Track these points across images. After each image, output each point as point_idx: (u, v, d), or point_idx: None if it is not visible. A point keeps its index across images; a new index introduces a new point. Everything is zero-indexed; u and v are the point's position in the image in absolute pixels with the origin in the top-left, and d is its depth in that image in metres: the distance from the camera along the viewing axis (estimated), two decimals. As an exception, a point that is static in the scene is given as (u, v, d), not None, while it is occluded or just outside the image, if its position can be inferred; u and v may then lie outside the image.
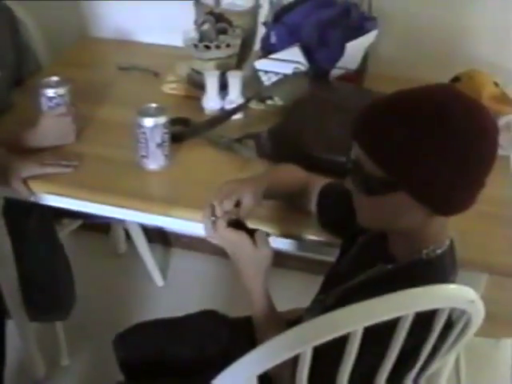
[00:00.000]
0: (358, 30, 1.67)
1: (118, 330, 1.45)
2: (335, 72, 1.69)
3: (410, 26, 1.85)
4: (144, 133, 1.41)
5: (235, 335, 1.41)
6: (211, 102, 1.69)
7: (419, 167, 0.91)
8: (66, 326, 2.00)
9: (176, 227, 1.50)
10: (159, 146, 1.44)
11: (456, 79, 1.74)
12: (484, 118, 0.93)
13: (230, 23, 1.80)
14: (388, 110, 0.93)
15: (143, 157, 1.45)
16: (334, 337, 0.91)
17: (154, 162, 1.46)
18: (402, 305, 0.92)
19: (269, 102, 1.72)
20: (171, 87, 1.80)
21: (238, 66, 1.78)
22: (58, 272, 1.73)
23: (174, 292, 2.37)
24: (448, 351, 1.08)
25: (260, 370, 0.93)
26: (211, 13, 1.80)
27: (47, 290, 1.72)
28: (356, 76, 1.72)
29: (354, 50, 1.66)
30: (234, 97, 1.68)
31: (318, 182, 1.32)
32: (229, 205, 1.13)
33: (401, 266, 1.03)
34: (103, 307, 2.25)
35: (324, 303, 1.15)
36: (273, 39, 1.71)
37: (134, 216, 1.43)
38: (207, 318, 1.46)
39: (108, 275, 2.41)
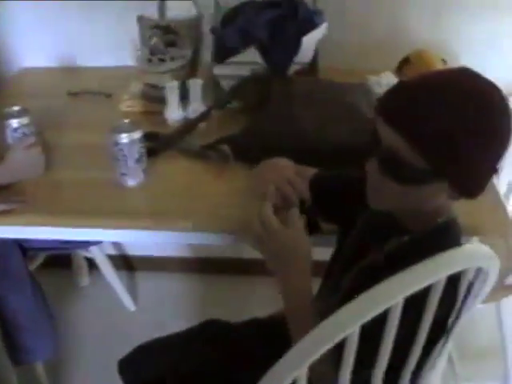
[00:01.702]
0: (308, 25, 1.70)
1: (102, 362, 1.40)
2: (292, 68, 1.71)
3: (353, 16, 1.91)
4: (121, 150, 1.39)
5: (243, 339, 1.40)
6: (174, 113, 1.68)
7: (465, 157, 0.92)
8: (45, 365, 1.93)
9: (167, 240, 1.48)
10: (138, 161, 1.42)
11: (405, 61, 1.81)
12: (505, 100, 0.95)
13: (177, 34, 1.80)
14: (434, 97, 0.92)
15: (123, 174, 1.42)
16: (379, 312, 0.91)
17: (134, 178, 1.44)
18: (435, 270, 0.93)
19: (229, 106, 1.72)
20: (128, 105, 1.78)
21: (192, 74, 1.78)
22: (40, 309, 1.67)
23: (147, 314, 2.33)
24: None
25: (313, 357, 0.92)
26: (157, 26, 1.79)
27: (32, 328, 1.65)
28: (310, 69, 1.76)
29: (307, 44, 1.69)
30: (197, 105, 1.67)
31: (307, 172, 1.33)
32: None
33: (420, 236, 1.04)
34: (80, 341, 2.18)
35: (337, 288, 1.15)
36: (225, 43, 1.71)
37: (123, 236, 1.41)
38: (211, 327, 1.44)
39: (77, 309, 2.34)
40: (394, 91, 0.98)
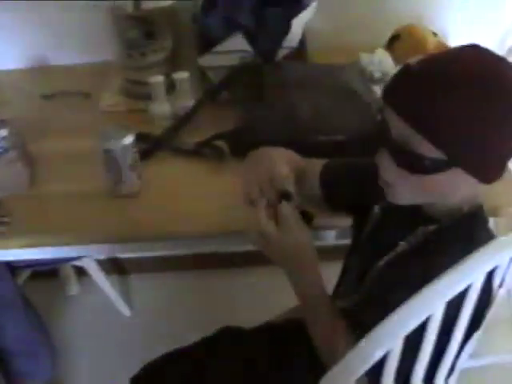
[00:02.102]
0: (296, 7, 1.61)
1: (102, 373, 1.32)
2: (280, 52, 1.62)
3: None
4: (114, 157, 1.29)
5: (257, 346, 1.33)
6: (161, 109, 1.58)
7: (478, 143, 0.87)
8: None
9: (176, 249, 1.40)
10: (132, 167, 1.32)
11: (395, 37, 1.74)
12: None
13: (155, 25, 1.69)
14: (443, 84, 0.86)
15: (117, 183, 1.33)
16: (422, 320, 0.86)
17: (130, 185, 1.34)
18: (474, 268, 0.88)
19: (218, 98, 1.63)
20: (109, 104, 1.67)
21: (177, 67, 1.67)
22: (36, 331, 1.57)
23: (144, 318, 2.25)
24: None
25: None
26: (133, 17, 1.68)
27: (30, 353, 1.56)
28: (299, 53, 1.67)
29: (296, 27, 1.60)
30: (185, 99, 1.58)
31: (314, 164, 1.27)
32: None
33: (448, 225, 0.99)
34: (77, 353, 2.09)
35: (361, 283, 1.10)
36: (210, 32, 1.61)
37: (123, 249, 1.32)
38: (226, 336, 1.36)
39: (69, 320, 2.25)
40: (400, 78, 0.92)
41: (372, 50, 1.70)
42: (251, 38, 1.59)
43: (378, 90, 1.59)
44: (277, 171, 1.14)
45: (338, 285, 1.27)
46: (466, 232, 0.98)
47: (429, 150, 0.88)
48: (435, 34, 1.73)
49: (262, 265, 2.26)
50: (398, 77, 0.92)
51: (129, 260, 2.39)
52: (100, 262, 2.20)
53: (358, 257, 1.18)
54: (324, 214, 1.27)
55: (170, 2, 1.73)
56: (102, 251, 1.35)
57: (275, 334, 1.35)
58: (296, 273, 1.07)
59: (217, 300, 2.30)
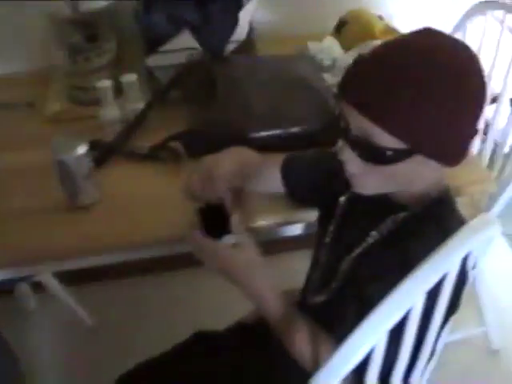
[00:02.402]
0: (241, -1, 1.58)
1: None
2: (228, 47, 1.59)
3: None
4: (68, 169, 1.24)
5: (232, 349, 1.32)
6: (110, 114, 1.52)
7: (434, 127, 0.87)
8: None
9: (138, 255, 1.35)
10: (87, 177, 1.27)
11: (343, 23, 1.74)
12: (477, 61, 0.90)
13: (96, 27, 1.64)
14: (399, 74, 0.85)
15: (74, 194, 1.28)
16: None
17: (87, 196, 1.29)
18: (450, 256, 0.87)
19: (168, 98, 1.59)
20: (56, 112, 1.61)
21: (123, 69, 1.62)
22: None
23: (108, 325, 2.19)
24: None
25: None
26: (73, 21, 1.62)
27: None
28: (248, 46, 1.65)
29: (242, 19, 1.57)
30: (135, 102, 1.53)
31: (275, 160, 1.25)
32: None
33: (417, 211, 0.99)
34: (42, 371, 2.02)
35: (333, 276, 1.08)
36: (154, 31, 1.56)
37: (85, 262, 1.27)
38: (200, 340, 1.34)
39: (30, 336, 2.17)
40: (354, 71, 0.91)
41: (319, 38, 1.69)
42: (198, 35, 1.55)
43: (329, 77, 1.58)
44: (216, 172, 1.13)
45: (308, 280, 1.25)
46: (436, 216, 0.98)
47: (389, 141, 0.87)
48: (381, 18, 1.73)
49: None
50: (351, 70, 0.91)
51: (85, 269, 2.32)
52: (56, 274, 2.13)
53: (326, 251, 1.16)
54: (289, 209, 1.26)
55: (109, 3, 1.66)
56: (61, 266, 1.28)
57: (250, 334, 1.33)
58: (255, 297, 1.04)
59: (179, 302, 2.27)
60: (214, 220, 1.02)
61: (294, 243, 2.32)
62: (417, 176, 0.95)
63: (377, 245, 1.02)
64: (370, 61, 0.88)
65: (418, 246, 0.92)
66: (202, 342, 1.33)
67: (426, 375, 1.14)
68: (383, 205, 1.02)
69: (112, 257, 1.34)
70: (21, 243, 1.24)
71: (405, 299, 0.85)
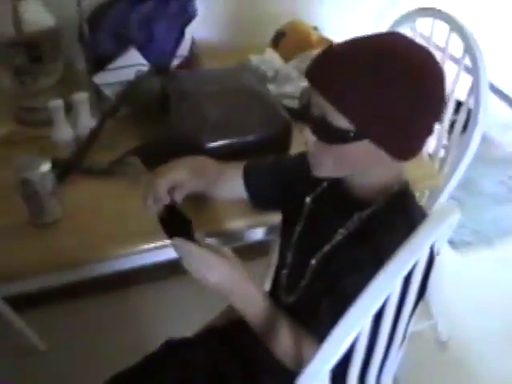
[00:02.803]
0: (182, 15, 1.64)
1: None
2: (173, 62, 1.65)
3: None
4: (33, 187, 1.25)
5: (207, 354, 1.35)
6: (63, 133, 1.54)
7: (384, 116, 0.94)
8: None
9: (105, 269, 1.37)
10: (52, 194, 1.29)
11: (280, 35, 1.82)
12: (436, 62, 0.98)
13: (40, 48, 1.65)
14: (352, 62, 0.93)
15: (39, 212, 1.29)
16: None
17: (51, 213, 1.31)
18: (421, 244, 0.93)
19: (117, 116, 1.62)
20: (5, 134, 1.60)
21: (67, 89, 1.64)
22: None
23: (62, 348, 2.17)
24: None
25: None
26: (17, 43, 1.63)
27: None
28: (191, 61, 1.71)
29: (186, 35, 1.63)
30: (86, 120, 1.55)
31: (235, 166, 1.30)
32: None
33: (380, 206, 1.05)
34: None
35: (301, 277, 1.14)
36: (100, 49, 1.60)
37: (56, 279, 1.28)
38: (170, 349, 1.36)
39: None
40: (321, 57, 0.98)
41: (259, 51, 1.76)
42: (144, 51, 1.60)
43: (273, 88, 1.66)
44: (159, 178, 1.18)
45: (274, 282, 1.29)
46: (400, 209, 1.05)
47: (342, 122, 0.95)
48: (316, 28, 1.83)
49: (177, 275, 2.31)
50: (318, 55, 0.99)
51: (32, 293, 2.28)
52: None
53: (293, 251, 1.20)
54: (251, 213, 1.32)
55: (52, 24, 1.68)
56: (35, 284, 1.29)
57: (221, 337, 1.37)
58: (236, 299, 1.06)
59: (130, 320, 2.28)
60: (176, 226, 1.06)
61: (247, 253, 2.38)
62: (367, 162, 1.01)
63: (345, 241, 1.08)
64: (334, 50, 0.96)
65: (388, 238, 0.99)
66: (174, 350, 1.35)
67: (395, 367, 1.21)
68: (348, 202, 1.09)
69: (71, 274, 1.34)
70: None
71: (386, 285, 0.90)
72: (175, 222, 1.08)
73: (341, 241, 1.09)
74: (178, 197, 1.18)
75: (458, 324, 2.20)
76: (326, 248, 1.10)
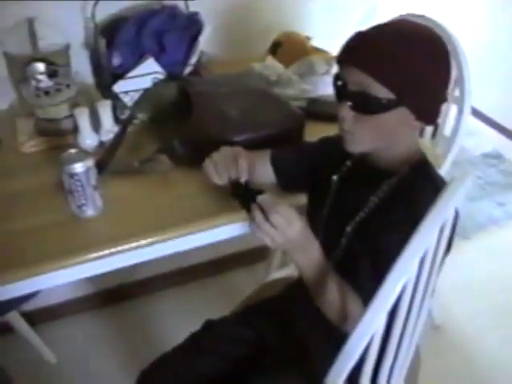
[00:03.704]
0: (191, 27, 1.77)
1: None
2: (186, 70, 1.77)
3: (220, 12, 2.02)
4: (79, 180, 1.35)
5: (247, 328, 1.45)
6: (88, 139, 1.64)
7: (417, 84, 1.09)
8: None
9: (148, 257, 1.44)
10: (95, 188, 1.39)
11: (277, 44, 1.97)
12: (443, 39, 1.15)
13: (56, 64, 1.75)
14: (386, 40, 1.08)
15: (82, 205, 1.38)
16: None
17: (94, 206, 1.40)
18: (447, 206, 1.06)
19: (136, 121, 1.73)
20: (31, 145, 1.69)
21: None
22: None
23: (71, 360, 2.22)
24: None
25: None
26: (35, 59, 1.73)
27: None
28: (200, 67, 1.83)
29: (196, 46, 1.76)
30: (110, 126, 1.66)
31: (263, 155, 1.42)
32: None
33: (407, 174, 1.18)
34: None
35: (339, 240, 1.24)
36: (116, 61, 1.71)
37: (103, 266, 1.36)
38: (211, 326, 1.46)
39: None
40: (355, 40, 1.12)
41: (259, 60, 1.91)
42: (159, 60, 1.72)
43: (276, 91, 1.80)
44: (240, 155, 1.29)
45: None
46: (424, 174, 1.19)
47: (381, 91, 1.08)
48: (308, 38, 1.98)
49: (174, 286, 2.41)
50: (352, 40, 1.12)
51: (36, 310, 2.33)
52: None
53: (325, 223, 1.30)
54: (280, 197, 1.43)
55: (64, 40, 1.79)
56: (86, 272, 1.37)
57: (259, 312, 1.47)
58: (302, 256, 1.14)
59: (140, 331, 2.35)
60: (248, 196, 1.14)
61: (236, 262, 2.50)
62: (401, 133, 1.15)
63: (378, 206, 1.19)
64: (367, 34, 1.11)
65: (418, 199, 1.12)
66: (215, 328, 1.45)
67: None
68: (375, 174, 1.21)
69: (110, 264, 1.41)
70: (35, 256, 1.31)
71: (426, 237, 1.02)
72: (247, 193, 1.16)
73: (374, 207, 1.20)
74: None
75: (449, 309, 2.35)
76: (361, 215, 1.21)
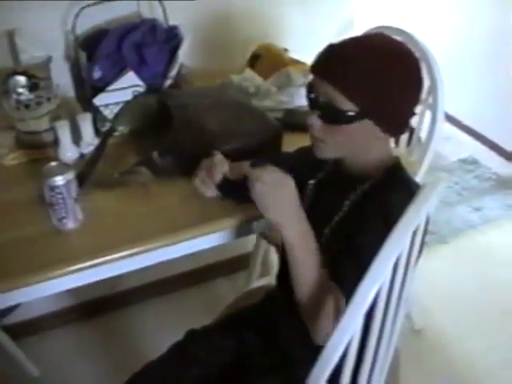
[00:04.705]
0: (171, 40, 1.80)
1: None
2: (166, 82, 1.80)
3: (199, 25, 2.05)
4: (60, 193, 1.36)
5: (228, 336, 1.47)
6: (69, 152, 1.66)
7: (381, 98, 1.14)
8: None
9: (130, 268, 1.46)
10: (76, 201, 1.40)
11: (255, 56, 2.00)
12: (414, 55, 1.19)
13: (36, 77, 1.77)
14: (353, 55, 1.13)
15: (63, 218, 1.39)
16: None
17: (74, 219, 1.41)
18: (425, 205, 1.10)
19: (116, 133, 1.74)
20: (11, 158, 1.70)
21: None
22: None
23: (54, 373, 2.22)
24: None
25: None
26: (16, 73, 1.74)
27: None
28: (180, 80, 1.86)
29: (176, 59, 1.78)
30: (90, 139, 1.68)
31: (241, 166, 1.44)
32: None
33: (380, 177, 1.22)
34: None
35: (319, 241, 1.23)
36: (97, 74, 1.73)
37: (85, 278, 1.37)
38: (193, 336, 1.48)
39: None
40: (325, 53, 1.18)
41: (237, 72, 1.94)
42: (139, 74, 1.74)
43: (255, 102, 1.83)
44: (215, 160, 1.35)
45: (282, 268, 1.42)
46: (398, 175, 1.24)
47: (347, 105, 1.13)
48: (287, 50, 2.02)
49: (155, 297, 2.42)
50: (322, 52, 1.18)
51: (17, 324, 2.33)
52: None
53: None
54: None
55: (44, 53, 1.81)
56: (65, 285, 1.38)
57: (240, 321, 1.49)
58: (299, 232, 1.15)
59: (120, 342, 2.36)
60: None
61: (219, 271, 2.53)
62: (366, 141, 1.19)
63: (351, 209, 1.23)
64: (336, 47, 1.16)
65: (393, 196, 1.17)
66: (197, 337, 1.47)
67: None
68: (349, 179, 1.25)
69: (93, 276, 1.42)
70: (17, 268, 1.32)
71: (397, 244, 1.05)
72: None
73: (347, 210, 1.24)
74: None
75: (430, 313, 2.39)
76: (335, 219, 1.25)
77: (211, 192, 1.36)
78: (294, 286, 1.16)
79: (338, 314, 1.09)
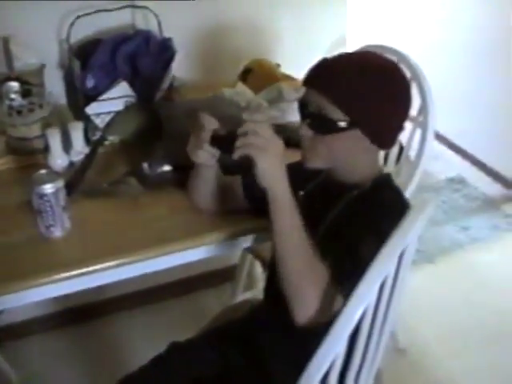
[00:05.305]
0: (164, 52, 1.81)
1: None
2: (158, 94, 1.80)
3: (193, 38, 2.06)
4: (48, 201, 1.36)
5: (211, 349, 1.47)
6: (59, 159, 1.66)
7: (371, 110, 1.17)
8: None
9: (114, 278, 1.46)
10: (64, 209, 1.40)
11: (247, 70, 2.01)
12: (403, 72, 1.23)
13: (29, 83, 1.77)
14: (346, 68, 1.17)
15: (50, 226, 1.39)
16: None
17: (61, 227, 1.41)
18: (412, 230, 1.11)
19: (106, 143, 1.75)
20: (1, 163, 1.70)
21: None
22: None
23: (34, 379, 2.21)
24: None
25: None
26: (9, 79, 1.74)
27: None
28: (172, 92, 1.87)
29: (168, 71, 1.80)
30: (80, 147, 1.68)
31: (233, 180, 1.45)
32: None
33: (367, 187, 1.25)
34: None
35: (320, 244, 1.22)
36: (90, 83, 1.74)
37: (70, 286, 1.37)
38: (176, 349, 1.47)
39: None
40: (317, 66, 1.22)
41: (229, 85, 1.95)
42: (132, 85, 1.75)
43: (245, 116, 1.83)
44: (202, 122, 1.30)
45: (272, 269, 1.40)
46: (386, 184, 1.27)
47: (335, 114, 1.16)
48: (278, 65, 2.03)
49: (140, 306, 2.41)
50: (316, 66, 1.22)
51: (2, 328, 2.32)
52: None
53: None
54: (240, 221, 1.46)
55: (37, 61, 1.82)
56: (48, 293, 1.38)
57: (223, 335, 1.49)
58: (285, 193, 1.15)
59: (102, 350, 2.35)
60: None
61: (205, 282, 2.53)
62: (355, 153, 1.22)
63: (340, 215, 1.25)
64: (329, 61, 1.21)
65: (382, 197, 1.22)
66: (179, 350, 1.46)
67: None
68: (337, 188, 1.27)
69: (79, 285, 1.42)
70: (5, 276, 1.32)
71: (383, 267, 1.08)
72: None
73: (336, 216, 1.26)
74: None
75: (415, 332, 2.40)
76: (325, 223, 1.27)
77: (204, 155, 1.29)
78: (281, 257, 1.13)
79: (323, 289, 1.08)
